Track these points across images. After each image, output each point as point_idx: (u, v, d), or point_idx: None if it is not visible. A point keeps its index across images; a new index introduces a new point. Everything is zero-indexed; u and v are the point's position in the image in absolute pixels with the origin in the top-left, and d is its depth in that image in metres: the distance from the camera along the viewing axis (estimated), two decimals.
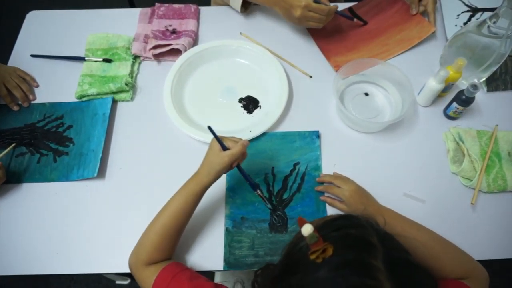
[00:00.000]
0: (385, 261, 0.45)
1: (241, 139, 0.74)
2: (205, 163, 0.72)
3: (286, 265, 0.52)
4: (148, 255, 0.69)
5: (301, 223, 0.47)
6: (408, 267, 0.48)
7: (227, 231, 0.79)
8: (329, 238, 0.46)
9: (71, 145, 0.90)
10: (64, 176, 0.86)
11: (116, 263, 0.77)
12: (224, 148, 0.71)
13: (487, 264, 0.72)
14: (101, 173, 0.87)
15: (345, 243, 0.47)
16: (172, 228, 0.70)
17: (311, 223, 0.50)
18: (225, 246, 0.78)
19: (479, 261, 0.70)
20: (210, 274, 1.06)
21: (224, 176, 0.85)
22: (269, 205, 0.82)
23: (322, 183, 0.84)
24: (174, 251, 0.74)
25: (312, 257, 0.45)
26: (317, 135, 0.90)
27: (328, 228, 0.50)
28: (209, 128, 0.74)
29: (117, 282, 1.52)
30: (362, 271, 0.44)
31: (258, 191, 0.78)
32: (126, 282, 1.52)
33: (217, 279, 1.02)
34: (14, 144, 0.89)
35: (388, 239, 0.50)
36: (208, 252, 0.78)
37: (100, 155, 0.86)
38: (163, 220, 0.70)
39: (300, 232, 0.48)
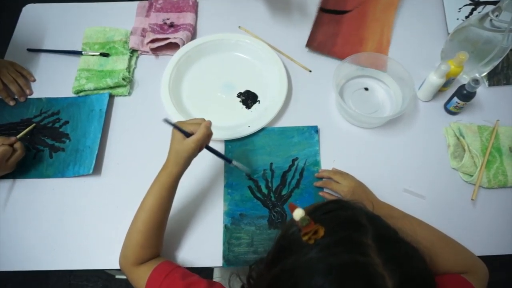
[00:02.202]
0: (374, 239, 0.46)
1: (203, 119, 0.71)
2: (171, 153, 0.70)
3: (279, 250, 0.52)
4: (135, 254, 0.68)
5: (292, 208, 0.48)
6: (397, 243, 0.50)
7: (225, 228, 0.79)
8: (320, 220, 0.47)
9: (67, 141, 0.89)
10: (60, 172, 0.85)
11: (114, 259, 0.76)
12: (187, 134, 0.69)
13: (487, 259, 0.72)
14: (98, 169, 0.86)
15: (336, 224, 0.48)
16: (153, 224, 0.69)
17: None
18: (223, 243, 0.77)
19: (480, 257, 0.70)
20: (209, 271, 1.06)
21: (222, 173, 0.84)
22: (247, 171, 0.80)
23: (321, 178, 0.84)
24: (161, 246, 0.73)
25: (304, 238, 0.46)
26: (315, 130, 0.89)
27: (318, 211, 0.51)
28: (166, 120, 0.70)
29: (117, 276, 1.52)
30: (353, 249, 0.45)
31: (233, 162, 0.77)
32: (125, 276, 1.51)
33: (216, 274, 1.02)
34: (34, 124, 0.90)
35: (377, 219, 0.52)
36: (207, 250, 0.77)
37: (96, 152, 0.85)
38: (142, 217, 0.69)
39: (292, 218, 0.48)
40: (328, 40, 1.02)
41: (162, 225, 0.72)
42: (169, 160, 0.70)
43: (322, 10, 1.05)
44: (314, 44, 1.01)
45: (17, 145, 0.80)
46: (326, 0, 1.07)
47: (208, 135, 0.70)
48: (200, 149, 0.71)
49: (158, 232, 0.71)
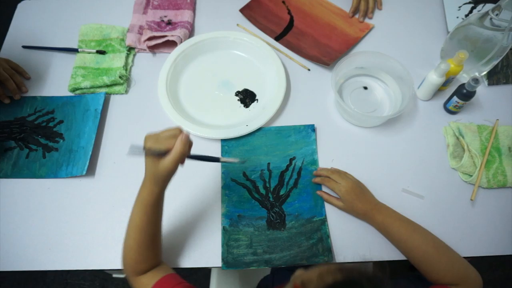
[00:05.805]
0: None
1: (178, 129, 0.61)
2: (147, 175, 0.63)
3: None
4: (133, 268, 0.67)
5: None
6: None
7: (224, 230, 0.78)
8: None
9: (61, 140, 0.88)
10: (53, 172, 0.84)
11: (110, 259, 0.76)
12: (162, 154, 0.60)
13: (485, 258, 0.71)
14: (92, 169, 0.85)
15: None
16: (144, 240, 0.66)
17: (305, 275, 0.46)
18: (222, 246, 0.76)
19: (478, 257, 0.69)
20: (206, 271, 1.05)
21: (219, 174, 0.83)
22: (238, 160, 0.71)
23: (319, 176, 0.83)
24: (160, 255, 0.71)
25: None
26: (312, 128, 0.88)
27: None
28: (132, 148, 0.60)
29: (114, 275, 1.52)
30: None
31: (221, 158, 0.69)
32: (123, 275, 1.51)
33: (214, 274, 1.01)
34: None
35: None
36: (206, 252, 0.77)
37: (90, 152, 0.84)
38: (133, 235, 0.66)
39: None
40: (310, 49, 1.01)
41: (154, 239, 0.69)
42: (147, 180, 0.64)
43: (277, 39, 1.03)
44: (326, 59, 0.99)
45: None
46: (269, 30, 1.04)
47: (185, 150, 0.61)
48: (181, 163, 0.63)
49: (152, 246, 0.68)
